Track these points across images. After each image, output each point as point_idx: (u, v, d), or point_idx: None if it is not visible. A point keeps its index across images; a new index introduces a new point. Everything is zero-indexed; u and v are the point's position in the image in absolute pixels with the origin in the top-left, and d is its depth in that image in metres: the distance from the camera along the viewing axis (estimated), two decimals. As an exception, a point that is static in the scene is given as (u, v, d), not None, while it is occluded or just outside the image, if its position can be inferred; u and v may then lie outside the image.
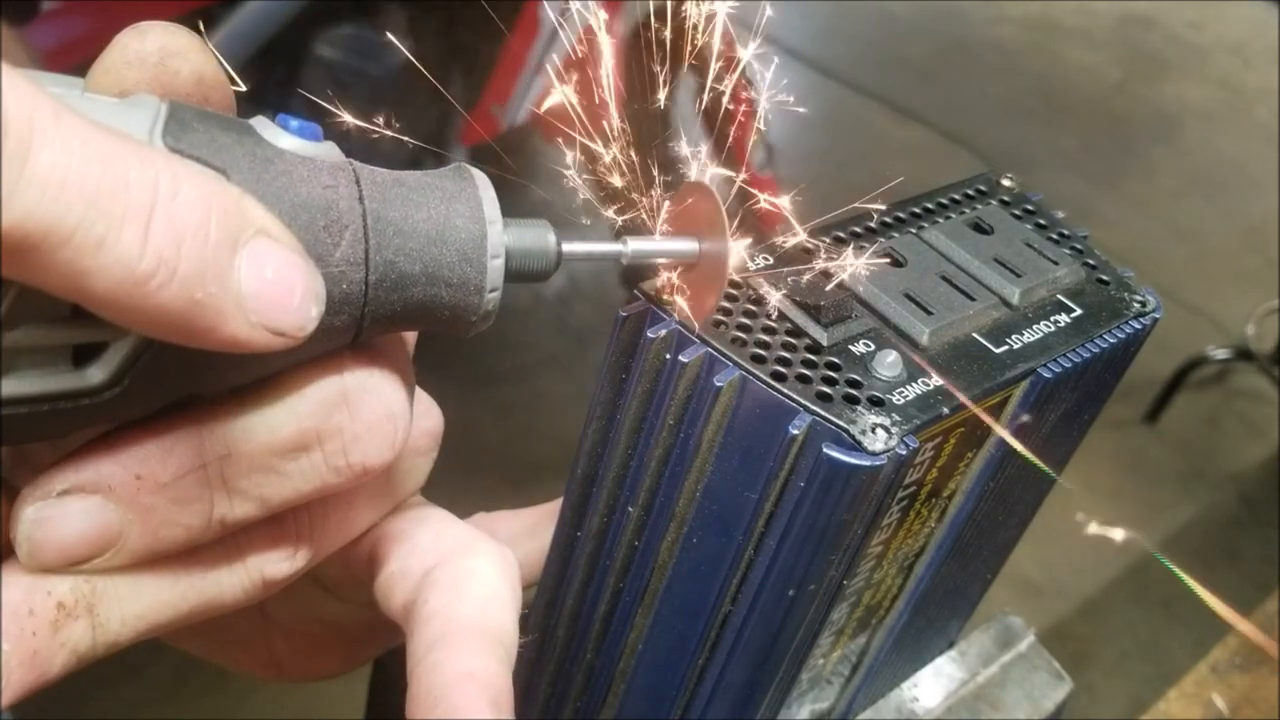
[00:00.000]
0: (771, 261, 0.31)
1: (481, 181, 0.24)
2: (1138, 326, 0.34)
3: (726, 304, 0.30)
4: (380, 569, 0.26)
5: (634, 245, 0.27)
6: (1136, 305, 0.34)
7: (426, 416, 0.26)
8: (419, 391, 0.26)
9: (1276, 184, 2.68)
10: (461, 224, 0.23)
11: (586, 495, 0.33)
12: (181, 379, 0.19)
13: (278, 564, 0.22)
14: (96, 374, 0.18)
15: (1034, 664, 0.47)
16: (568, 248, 0.26)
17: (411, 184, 0.23)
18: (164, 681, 1.37)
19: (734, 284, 0.30)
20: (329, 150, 0.22)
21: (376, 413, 0.22)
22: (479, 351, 1.86)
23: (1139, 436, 2.02)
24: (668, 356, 0.29)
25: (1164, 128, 2.97)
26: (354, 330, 0.21)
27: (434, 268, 0.22)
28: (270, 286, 0.17)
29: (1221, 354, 2.08)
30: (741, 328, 0.29)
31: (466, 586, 0.25)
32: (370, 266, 0.21)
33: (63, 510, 0.18)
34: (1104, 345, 0.32)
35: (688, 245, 0.27)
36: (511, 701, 0.24)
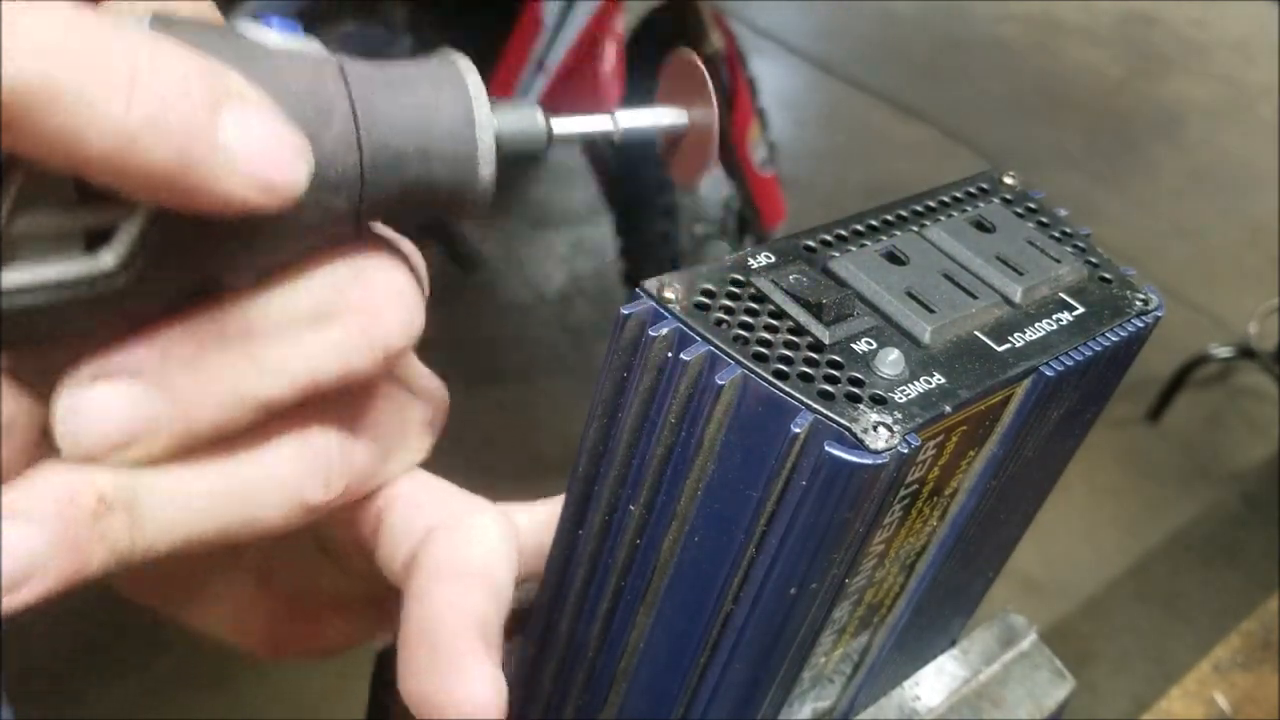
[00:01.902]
0: (774, 260, 0.31)
1: (465, 65, 0.24)
2: (1140, 325, 0.34)
3: (728, 303, 0.30)
4: (384, 528, 0.26)
5: (623, 118, 0.27)
6: (1139, 303, 0.34)
7: (433, 390, 0.27)
8: (425, 368, 0.27)
9: (1278, 182, 2.68)
10: (449, 103, 0.23)
11: (588, 494, 0.33)
12: (194, 260, 0.20)
13: (314, 489, 0.23)
14: (109, 256, 0.19)
15: (1036, 662, 0.47)
16: (558, 127, 0.26)
17: (397, 70, 0.23)
18: (164, 680, 1.37)
19: (735, 283, 0.30)
20: (312, 45, 0.22)
21: (390, 290, 0.22)
22: (480, 350, 1.87)
23: (1141, 435, 2.02)
24: (669, 355, 0.29)
25: (1166, 125, 2.96)
26: (355, 213, 0.22)
27: (426, 145, 0.23)
28: (256, 143, 0.18)
29: (1224, 352, 2.08)
30: (744, 326, 0.29)
31: (467, 541, 0.26)
32: (363, 147, 0.22)
33: (96, 396, 0.18)
34: (1106, 343, 0.32)
35: (677, 115, 0.27)
36: (500, 645, 0.25)
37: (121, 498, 0.20)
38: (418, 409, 0.26)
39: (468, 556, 0.26)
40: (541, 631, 0.37)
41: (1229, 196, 2.72)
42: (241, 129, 0.18)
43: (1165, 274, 2.35)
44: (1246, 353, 2.07)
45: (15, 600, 0.19)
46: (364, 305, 0.22)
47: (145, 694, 1.35)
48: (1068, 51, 3.19)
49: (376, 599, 0.30)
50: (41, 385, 0.20)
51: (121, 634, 1.40)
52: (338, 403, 0.23)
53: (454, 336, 1.84)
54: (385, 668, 0.44)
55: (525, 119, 0.25)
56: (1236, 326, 2.18)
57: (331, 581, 0.30)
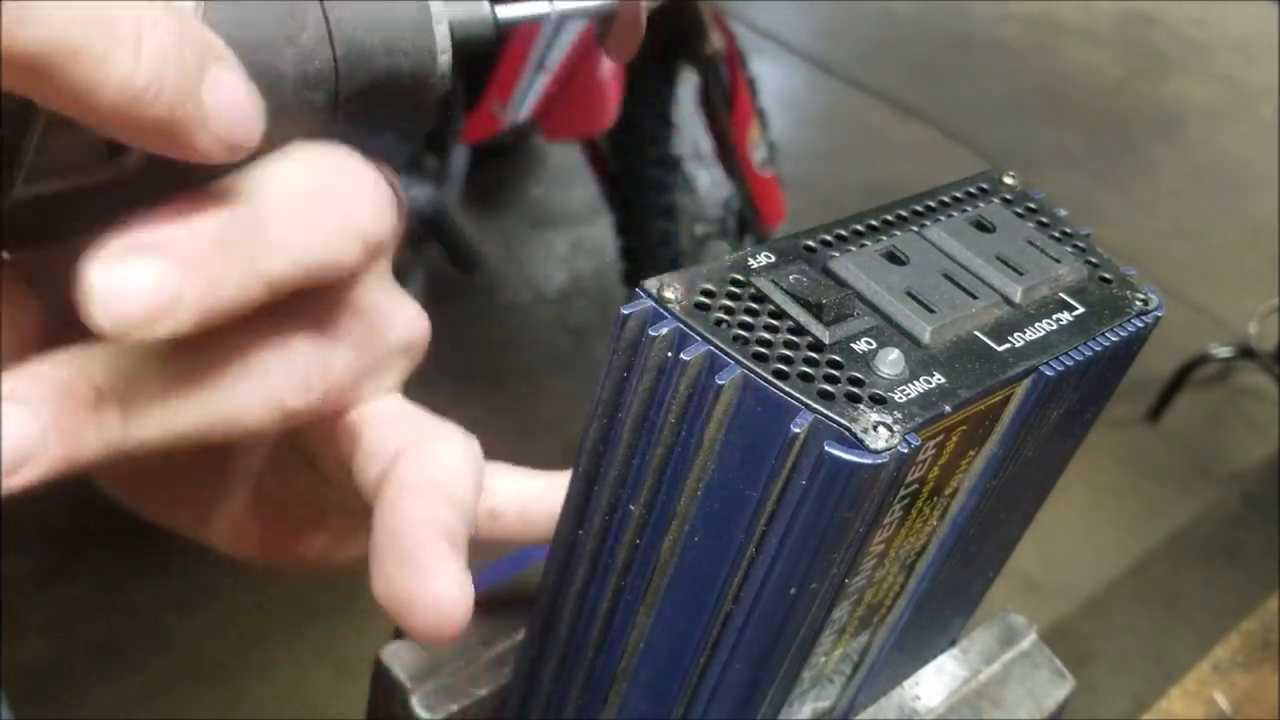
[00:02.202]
0: (774, 260, 0.31)
1: None
2: (1140, 325, 0.34)
3: (728, 303, 0.30)
4: (360, 446, 0.27)
5: (559, 2, 0.29)
6: (1139, 303, 0.34)
7: (413, 317, 0.28)
8: (408, 296, 0.28)
9: (1278, 182, 2.68)
10: (406, 1, 0.26)
11: (588, 494, 0.33)
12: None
13: (293, 395, 0.24)
14: (129, 162, 0.22)
15: (1036, 662, 0.47)
16: (502, 13, 0.28)
17: None
18: (164, 680, 1.37)
19: (735, 283, 0.30)
20: None
21: (365, 183, 0.24)
22: (480, 350, 1.87)
23: (1141, 435, 2.02)
24: (669, 355, 0.29)
25: (1166, 125, 2.96)
26: (332, 105, 0.24)
27: (390, 39, 0.25)
28: (228, 107, 0.20)
29: (1224, 352, 2.08)
30: (744, 326, 0.29)
31: (434, 461, 0.27)
32: (335, 45, 0.24)
33: (127, 271, 0.19)
34: (1106, 343, 0.32)
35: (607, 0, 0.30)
36: (466, 555, 0.26)
37: (116, 389, 0.21)
38: (396, 332, 0.27)
39: (435, 474, 0.27)
40: (541, 631, 0.37)
41: (1229, 196, 2.72)
42: (220, 91, 0.20)
43: (1165, 274, 2.35)
44: (1246, 353, 2.07)
45: (12, 483, 0.20)
46: (347, 196, 0.24)
47: (145, 694, 1.35)
48: (1068, 51, 3.19)
49: (355, 518, 0.32)
50: (53, 282, 0.22)
51: (121, 634, 1.40)
52: (319, 316, 0.25)
53: (454, 336, 1.84)
54: (385, 669, 0.44)
55: (473, 10, 0.27)
56: (1236, 326, 2.18)
57: (317, 495, 0.31)
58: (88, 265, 0.19)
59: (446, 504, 0.26)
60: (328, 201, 0.23)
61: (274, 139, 0.23)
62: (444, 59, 0.26)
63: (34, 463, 0.20)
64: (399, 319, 0.28)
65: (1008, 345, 0.31)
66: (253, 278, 0.21)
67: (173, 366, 0.22)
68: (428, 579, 0.25)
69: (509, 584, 0.48)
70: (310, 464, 0.31)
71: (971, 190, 0.37)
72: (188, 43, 0.19)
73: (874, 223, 0.34)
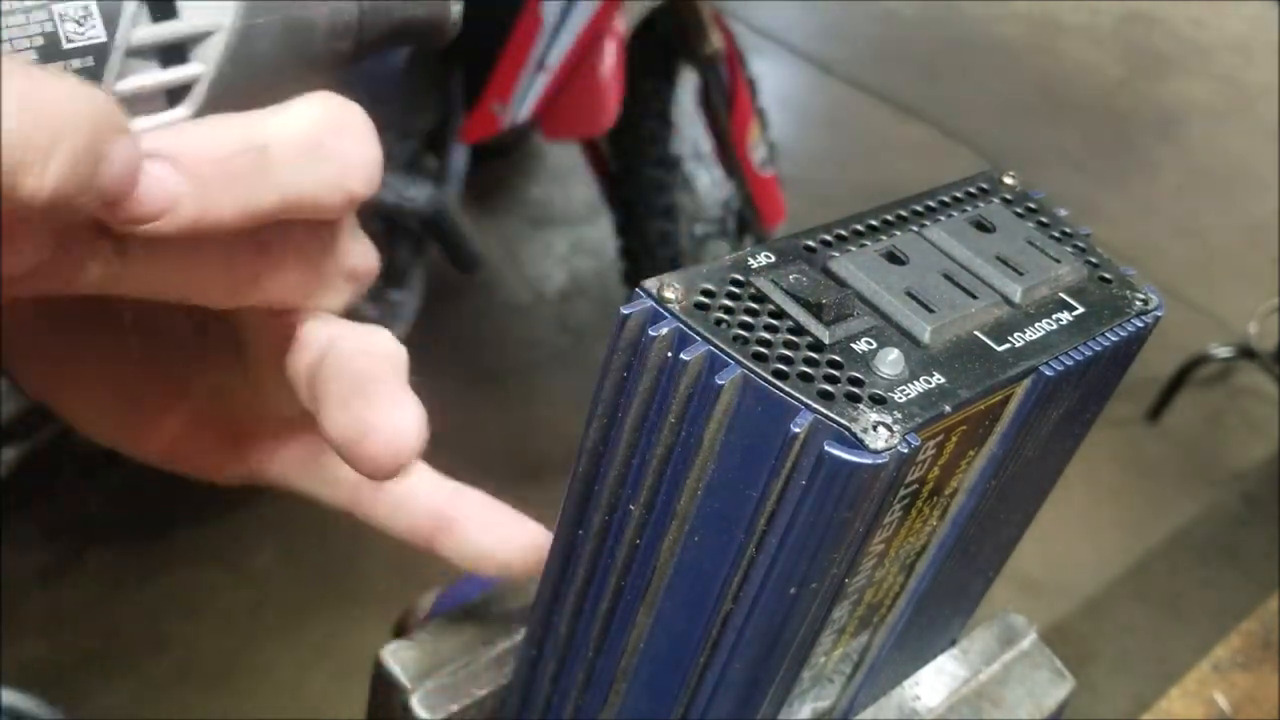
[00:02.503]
0: (774, 260, 0.31)
1: None
2: (1140, 325, 0.34)
3: (728, 303, 0.30)
4: (297, 340, 0.29)
5: None
6: (1139, 303, 0.34)
7: (365, 251, 0.30)
8: (364, 234, 0.30)
9: (1278, 182, 2.68)
10: None
11: (588, 494, 0.33)
12: (241, 104, 0.24)
13: (248, 281, 0.26)
14: (184, 109, 0.24)
15: (1036, 662, 0.47)
16: None
17: None
18: (164, 680, 1.37)
19: (735, 283, 0.30)
20: None
21: (360, 144, 0.26)
22: (479, 350, 1.87)
23: (1141, 435, 2.02)
24: (669, 355, 0.29)
25: (1166, 125, 2.96)
26: (354, 53, 0.26)
27: None
28: (131, 179, 0.22)
29: (1224, 352, 2.08)
30: (744, 326, 0.29)
31: (370, 335, 0.28)
32: None
33: (146, 169, 0.22)
34: (1106, 343, 0.32)
35: None
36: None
37: (117, 239, 0.24)
38: (349, 259, 0.29)
39: (373, 339, 0.28)
40: (541, 631, 0.37)
41: (1229, 196, 2.72)
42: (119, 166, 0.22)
43: (1165, 274, 2.35)
44: (1246, 353, 2.07)
45: (19, 290, 0.23)
46: (343, 153, 0.25)
47: (145, 694, 1.35)
48: (1068, 51, 3.19)
49: (290, 425, 0.33)
50: None
51: (121, 634, 1.40)
52: (286, 224, 0.26)
53: (454, 336, 1.84)
54: (385, 670, 0.44)
55: None
56: (1236, 326, 2.18)
57: (253, 408, 0.33)
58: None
59: (391, 357, 0.28)
60: (329, 158, 0.25)
61: (300, 85, 0.24)
62: (457, 7, 0.28)
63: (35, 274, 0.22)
64: (354, 250, 0.29)
65: (1008, 345, 0.31)
66: (246, 208, 0.24)
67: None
68: (384, 408, 0.26)
69: (509, 584, 0.48)
70: (249, 377, 0.32)
71: (971, 190, 0.37)
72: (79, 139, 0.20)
73: (874, 223, 0.34)
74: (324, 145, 0.25)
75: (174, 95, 0.24)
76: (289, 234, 0.26)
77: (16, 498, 1.37)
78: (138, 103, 0.24)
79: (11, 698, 0.55)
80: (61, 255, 0.23)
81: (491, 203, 2.21)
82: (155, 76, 0.23)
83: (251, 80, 0.25)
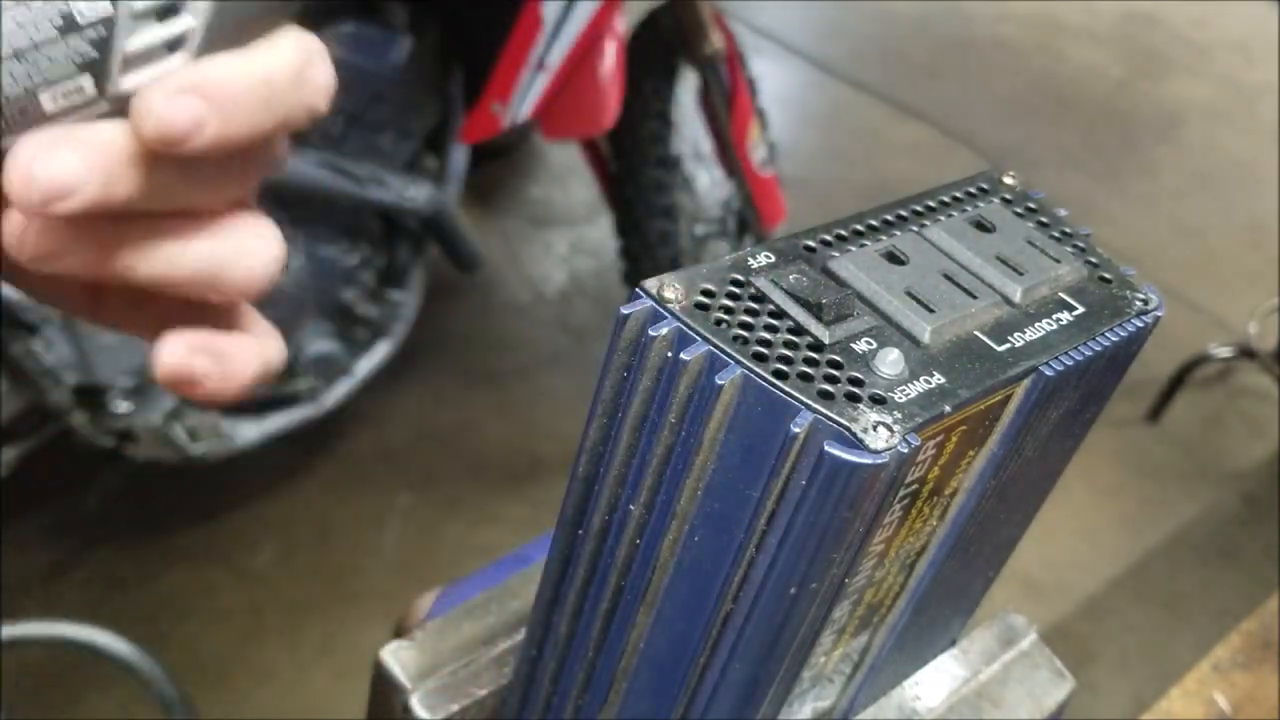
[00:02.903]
0: (773, 260, 0.31)
1: None
2: (1140, 325, 0.34)
3: (728, 303, 0.30)
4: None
5: None
6: (1139, 303, 0.34)
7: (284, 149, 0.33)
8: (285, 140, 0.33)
9: (1278, 182, 2.68)
10: None
11: (588, 494, 0.33)
12: (238, 44, 0.28)
13: (213, 195, 0.30)
14: (179, 58, 0.27)
15: (1036, 662, 0.47)
16: None
17: None
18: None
19: (735, 283, 0.30)
20: None
21: (325, 71, 0.30)
22: (479, 350, 1.87)
23: (1141, 435, 2.02)
24: (669, 355, 0.29)
25: (1166, 126, 2.96)
26: None
27: None
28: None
29: (1224, 352, 2.08)
30: (744, 326, 0.29)
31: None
32: None
33: (179, 102, 0.26)
34: (1106, 343, 0.32)
35: None
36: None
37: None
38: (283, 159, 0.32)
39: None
40: (541, 631, 0.37)
41: (1229, 196, 2.72)
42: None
43: (1165, 274, 2.35)
44: (1246, 353, 2.07)
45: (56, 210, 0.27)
46: (314, 79, 0.29)
47: (145, 694, 1.35)
48: (1068, 51, 3.19)
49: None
50: None
51: (121, 634, 1.40)
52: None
53: (454, 336, 1.84)
54: (385, 670, 0.44)
55: None
56: (1236, 326, 2.18)
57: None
58: (149, 96, 0.26)
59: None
60: (305, 84, 0.29)
61: (272, 24, 0.28)
62: None
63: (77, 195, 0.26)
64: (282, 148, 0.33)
65: (1008, 345, 0.31)
66: (254, 128, 0.28)
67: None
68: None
69: (509, 584, 0.48)
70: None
71: (971, 190, 0.37)
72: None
73: (874, 223, 0.34)
74: (302, 74, 0.29)
75: (172, 45, 0.28)
76: (256, 153, 0.30)
77: (16, 498, 1.37)
78: (143, 56, 0.27)
79: (100, 636, 0.57)
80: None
81: (491, 203, 2.21)
82: (156, 33, 0.27)
83: (235, 25, 0.28)
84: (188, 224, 0.30)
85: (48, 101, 0.26)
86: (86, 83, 0.26)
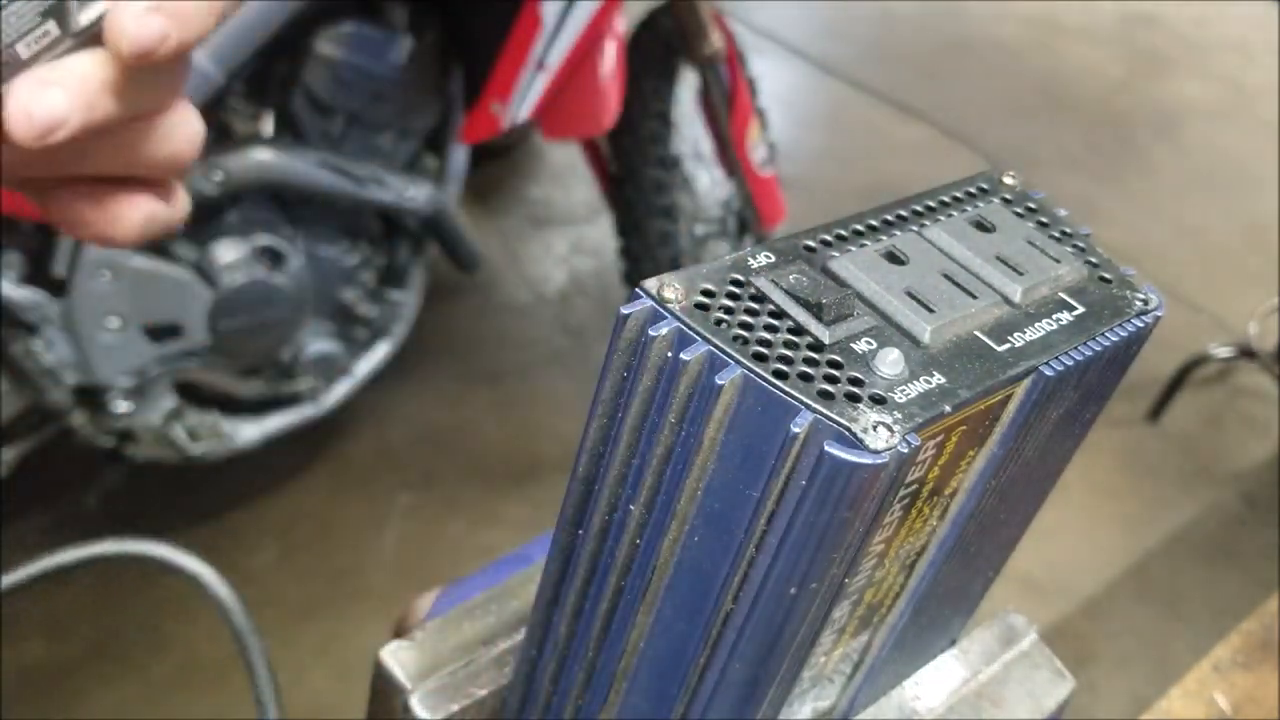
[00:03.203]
0: (773, 260, 0.31)
1: None
2: (1140, 325, 0.34)
3: (728, 303, 0.30)
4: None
5: None
6: (1139, 303, 0.34)
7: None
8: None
9: (1278, 182, 2.68)
10: None
11: (588, 494, 0.33)
12: None
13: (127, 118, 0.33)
14: None
15: (1036, 662, 0.47)
16: None
17: None
18: (163, 680, 1.37)
19: (735, 283, 0.30)
20: None
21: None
22: (479, 350, 1.87)
23: (1141, 435, 2.02)
24: (669, 355, 0.29)
25: (1166, 125, 2.96)
26: None
27: None
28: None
29: (1224, 352, 2.08)
30: (744, 326, 0.29)
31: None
32: None
33: (145, 20, 0.30)
34: (1106, 343, 0.32)
35: None
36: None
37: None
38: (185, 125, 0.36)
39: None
40: (541, 631, 0.37)
41: (1229, 196, 2.72)
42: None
43: (1165, 274, 2.35)
44: (1246, 353, 2.07)
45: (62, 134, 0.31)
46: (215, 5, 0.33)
47: (145, 694, 1.35)
48: (1068, 51, 3.19)
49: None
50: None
51: (121, 634, 1.40)
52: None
53: (454, 336, 1.84)
54: (385, 670, 0.44)
55: None
56: (1236, 326, 2.18)
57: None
58: (120, 13, 0.30)
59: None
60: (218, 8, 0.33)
61: None
62: None
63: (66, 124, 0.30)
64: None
65: (1008, 345, 0.31)
66: (200, 35, 0.32)
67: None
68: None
69: (509, 584, 0.48)
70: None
71: (971, 190, 0.37)
72: None
73: (874, 223, 0.34)
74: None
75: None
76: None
77: (16, 498, 1.37)
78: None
79: (157, 548, 0.59)
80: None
81: (491, 203, 2.21)
82: None
83: None
84: (140, 125, 0.34)
85: (23, 50, 0.30)
86: (51, 26, 0.31)
